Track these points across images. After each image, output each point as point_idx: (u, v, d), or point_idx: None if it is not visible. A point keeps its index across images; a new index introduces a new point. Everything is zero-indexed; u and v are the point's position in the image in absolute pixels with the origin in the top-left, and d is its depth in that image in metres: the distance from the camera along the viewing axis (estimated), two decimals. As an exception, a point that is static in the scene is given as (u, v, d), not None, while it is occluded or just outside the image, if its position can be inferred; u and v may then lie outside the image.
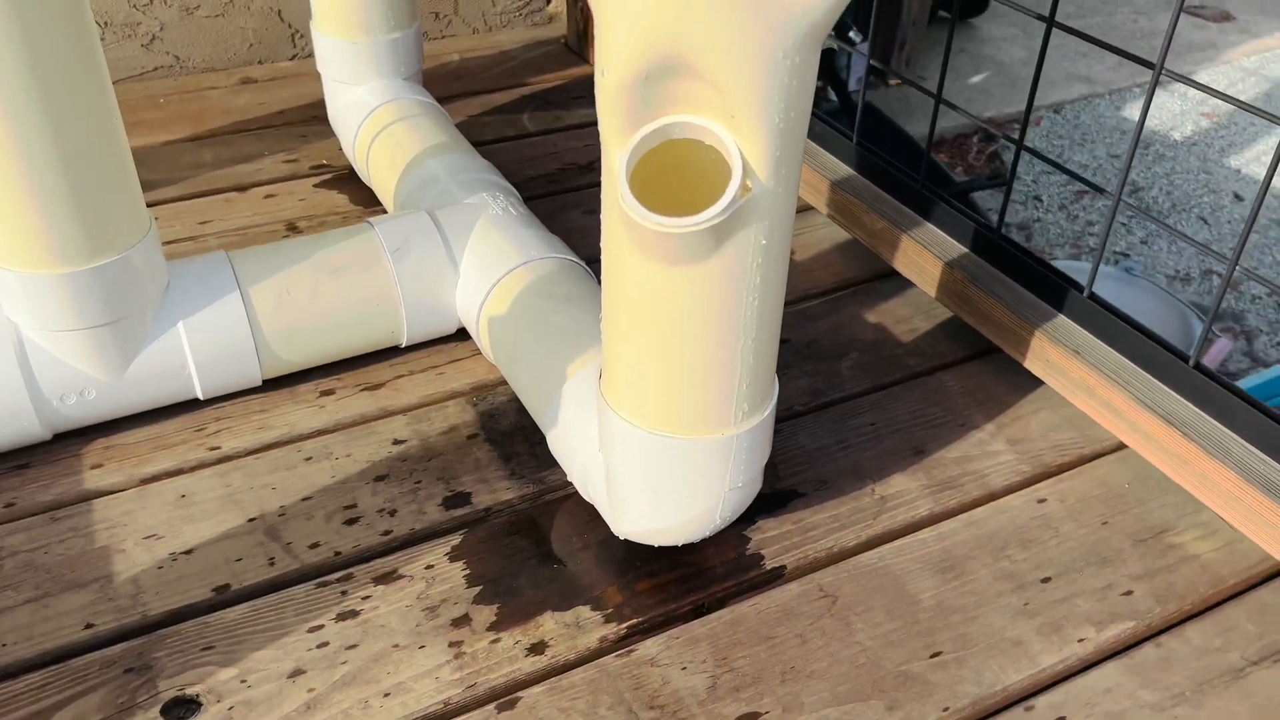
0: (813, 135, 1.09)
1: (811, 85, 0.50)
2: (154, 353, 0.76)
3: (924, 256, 0.93)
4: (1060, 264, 1.83)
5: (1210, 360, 1.38)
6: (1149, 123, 2.34)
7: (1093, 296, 0.82)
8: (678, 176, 0.52)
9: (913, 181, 0.97)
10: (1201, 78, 2.54)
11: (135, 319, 0.75)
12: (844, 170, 1.04)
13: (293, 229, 1.04)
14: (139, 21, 1.27)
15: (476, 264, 0.84)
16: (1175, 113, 2.38)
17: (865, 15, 1.89)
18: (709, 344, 0.57)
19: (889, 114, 1.87)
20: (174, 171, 1.12)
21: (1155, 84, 0.73)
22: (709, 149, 0.51)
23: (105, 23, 1.25)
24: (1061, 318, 0.84)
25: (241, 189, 1.10)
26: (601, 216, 0.57)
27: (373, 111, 1.04)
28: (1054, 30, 0.78)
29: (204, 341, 0.77)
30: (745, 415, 0.61)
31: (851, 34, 1.84)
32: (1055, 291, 0.85)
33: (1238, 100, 0.69)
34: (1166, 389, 0.77)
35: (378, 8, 1.02)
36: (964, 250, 0.92)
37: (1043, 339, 0.83)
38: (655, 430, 0.61)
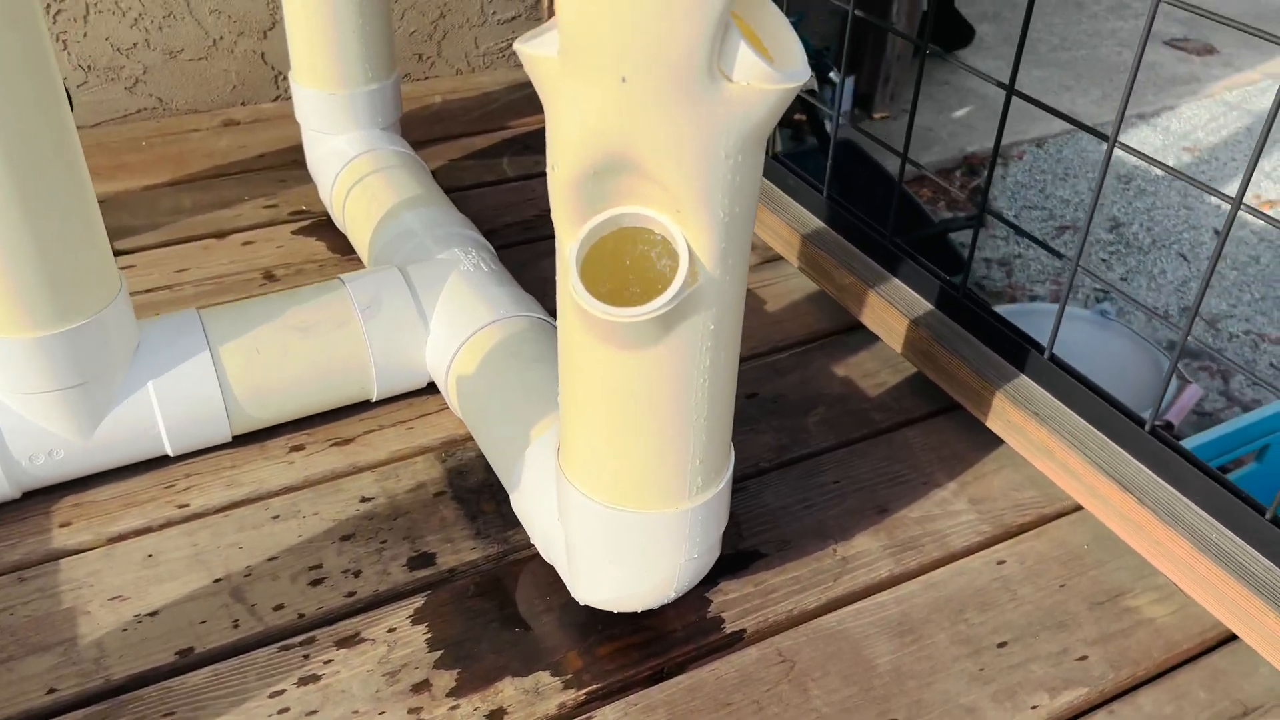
0: (784, 187, 1.10)
1: (757, 179, 0.51)
2: (124, 412, 0.77)
3: (890, 313, 0.94)
4: (1037, 304, 1.85)
5: (1181, 406, 1.39)
6: (1130, 158, 2.36)
7: (1053, 358, 0.84)
8: (633, 259, 0.53)
9: (882, 237, 0.98)
10: (1184, 112, 2.57)
11: (105, 380, 0.76)
12: (815, 223, 1.06)
13: (269, 278, 1.05)
14: (122, 65, 1.28)
15: (447, 321, 0.85)
16: (1157, 147, 2.40)
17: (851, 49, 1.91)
18: (661, 424, 0.58)
19: (869, 149, 1.89)
20: (154, 217, 1.13)
21: (1109, 157, 0.74)
22: (659, 236, 0.52)
23: (89, 67, 1.26)
24: (1023, 378, 0.86)
25: (220, 235, 1.11)
26: (556, 299, 0.58)
27: (349, 162, 1.05)
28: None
29: (174, 401, 0.78)
30: (700, 489, 0.62)
31: (832, 75, 1.85)
32: (1017, 351, 0.86)
33: (1181, 173, 0.70)
34: (1123, 452, 0.79)
35: (356, 61, 1.03)
36: (929, 307, 0.93)
37: (1004, 399, 0.84)
38: (611, 504, 0.62)
